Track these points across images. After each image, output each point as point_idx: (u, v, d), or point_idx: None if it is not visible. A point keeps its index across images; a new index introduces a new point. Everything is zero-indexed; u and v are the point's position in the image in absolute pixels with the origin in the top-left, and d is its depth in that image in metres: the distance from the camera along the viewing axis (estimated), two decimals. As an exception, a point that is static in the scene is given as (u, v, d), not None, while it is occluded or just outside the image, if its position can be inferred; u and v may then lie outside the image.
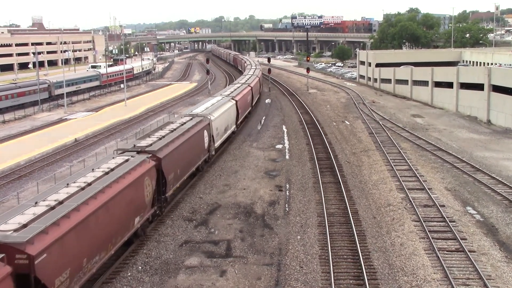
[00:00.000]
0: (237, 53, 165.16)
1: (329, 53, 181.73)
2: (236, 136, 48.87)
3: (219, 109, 40.77)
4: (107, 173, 21.90)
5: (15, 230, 15.73)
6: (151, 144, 27.18)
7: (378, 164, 37.47)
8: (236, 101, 47.45)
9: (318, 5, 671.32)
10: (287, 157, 40.57)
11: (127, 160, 23.92)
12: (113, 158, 24.72)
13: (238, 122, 49.24)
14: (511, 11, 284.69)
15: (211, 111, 38.74)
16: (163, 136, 29.14)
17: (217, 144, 38.82)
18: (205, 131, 34.84)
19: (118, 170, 22.22)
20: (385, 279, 20.62)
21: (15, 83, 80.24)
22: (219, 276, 21.11)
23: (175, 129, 31.34)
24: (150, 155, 25.29)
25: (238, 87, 56.08)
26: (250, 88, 58.47)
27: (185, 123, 33.56)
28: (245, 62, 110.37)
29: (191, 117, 35.82)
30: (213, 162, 38.84)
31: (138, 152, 25.72)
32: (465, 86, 62.45)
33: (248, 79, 67.12)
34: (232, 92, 51.85)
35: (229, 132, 44.12)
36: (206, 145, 35.23)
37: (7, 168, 38.55)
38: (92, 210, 18.53)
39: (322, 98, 75.18)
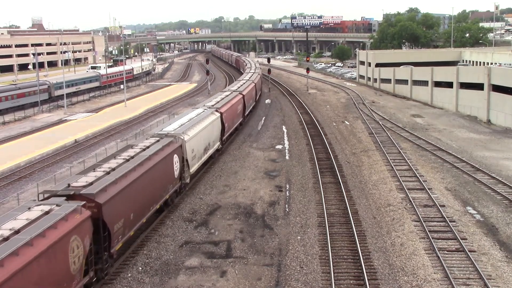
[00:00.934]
0: (239, 55, 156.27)
1: (328, 53, 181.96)
2: (236, 136, 48.85)
3: (196, 126, 34.02)
4: (6, 238, 15.08)
5: None
6: (91, 183, 20.37)
7: (378, 164, 37.48)
8: (221, 113, 40.71)
9: (317, 5, 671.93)
10: (287, 157, 40.58)
11: (48, 212, 17.13)
12: (28, 209, 17.50)
13: (224, 137, 42.32)
14: (511, 11, 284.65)
15: (185, 129, 31.98)
16: (113, 169, 22.45)
17: (193, 169, 32.23)
18: (175, 155, 28.24)
19: (25, 233, 15.42)
20: (386, 279, 20.63)
21: (15, 84, 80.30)
22: (220, 276, 21.12)
23: (132, 157, 24.73)
24: (84, 202, 18.59)
25: (227, 96, 48.91)
26: (241, 96, 51.56)
27: (148, 146, 26.93)
28: (246, 64, 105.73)
29: (158, 138, 29.22)
30: (213, 163, 38.85)
31: (69, 197, 18.99)
32: (465, 85, 62.47)
33: (241, 85, 59.70)
34: (217, 102, 44.44)
35: (211, 151, 37.51)
36: (176, 172, 28.51)
37: (7, 169, 38.55)
38: None
39: (322, 98, 75.20)
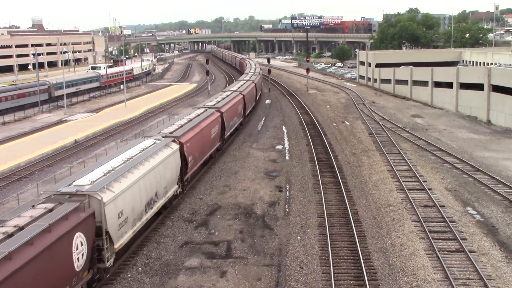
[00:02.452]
0: (244, 57, 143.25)
1: (329, 54, 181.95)
2: (236, 137, 48.81)
3: (132, 172, 22.82)
4: None
5: None
6: None
7: (378, 164, 37.48)
8: (182, 144, 29.68)
9: (317, 6, 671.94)
10: (287, 157, 40.58)
11: None
12: None
13: (187, 176, 31.30)
14: (510, 11, 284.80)
15: (109, 181, 20.69)
16: None
17: (122, 240, 21.21)
18: (78, 234, 17.60)
19: None
20: (386, 279, 20.63)
21: (15, 85, 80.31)
22: (219, 277, 21.12)
23: None
24: None
25: (197, 116, 37.35)
26: (218, 114, 40.34)
27: (22, 227, 16.24)
28: (248, 68, 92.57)
29: (53, 204, 18.23)
30: (213, 163, 38.79)
31: None
32: (465, 86, 62.49)
33: (223, 99, 47.36)
34: (180, 127, 33.08)
35: (161, 202, 26.24)
36: (79, 263, 17.79)
37: (7, 169, 38.56)
38: None
39: (322, 99, 75.20)
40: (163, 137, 29.71)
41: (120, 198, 20.96)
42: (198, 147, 33.24)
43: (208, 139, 36.40)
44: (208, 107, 42.05)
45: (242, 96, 52.11)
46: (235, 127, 48.54)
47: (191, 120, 35.59)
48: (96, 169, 22.57)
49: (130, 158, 24.42)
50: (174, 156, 28.09)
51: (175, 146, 28.68)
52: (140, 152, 25.65)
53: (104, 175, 21.57)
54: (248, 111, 58.07)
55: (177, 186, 29.08)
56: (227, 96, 49.47)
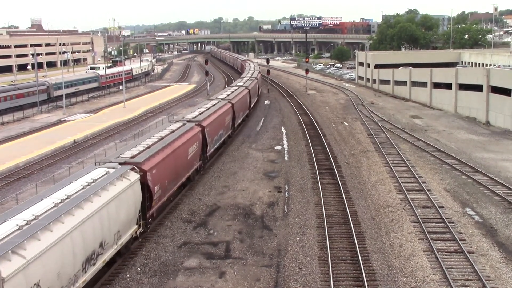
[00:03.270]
0: (245, 59, 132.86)
1: (328, 54, 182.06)
2: (235, 137, 48.79)
3: (57, 224, 16.44)
4: None
5: None
6: None
7: (377, 165, 37.49)
8: (146, 171, 23.55)
9: (316, 6, 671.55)
10: (286, 158, 40.58)
11: None
12: None
13: (152, 211, 25.22)
14: (509, 12, 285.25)
15: (16, 243, 14.60)
16: None
17: None
18: None
19: None
20: (384, 280, 20.63)
21: (14, 85, 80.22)
22: (218, 277, 21.12)
23: None
24: None
25: (172, 132, 31.00)
26: (199, 129, 34.18)
27: None
28: (247, 71, 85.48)
29: None
30: (212, 164, 38.82)
31: None
32: (464, 87, 62.55)
33: (206, 109, 40.49)
34: (147, 147, 26.76)
35: (110, 253, 20.33)
36: None
37: (5, 169, 38.53)
38: None
39: (321, 100, 75.21)
40: (120, 163, 23.33)
41: (37, 264, 14.84)
42: (169, 173, 27.07)
43: (183, 161, 30.26)
44: (187, 120, 35.37)
45: (231, 105, 45.49)
46: (221, 141, 42.15)
47: (162, 138, 29.10)
48: (10, 219, 16.20)
49: (66, 199, 18.20)
50: (132, 189, 22.05)
51: (134, 176, 22.52)
52: (82, 188, 19.48)
53: (18, 230, 15.44)
54: (240, 120, 51.48)
55: (136, 226, 22.99)
56: (213, 105, 42.49)
